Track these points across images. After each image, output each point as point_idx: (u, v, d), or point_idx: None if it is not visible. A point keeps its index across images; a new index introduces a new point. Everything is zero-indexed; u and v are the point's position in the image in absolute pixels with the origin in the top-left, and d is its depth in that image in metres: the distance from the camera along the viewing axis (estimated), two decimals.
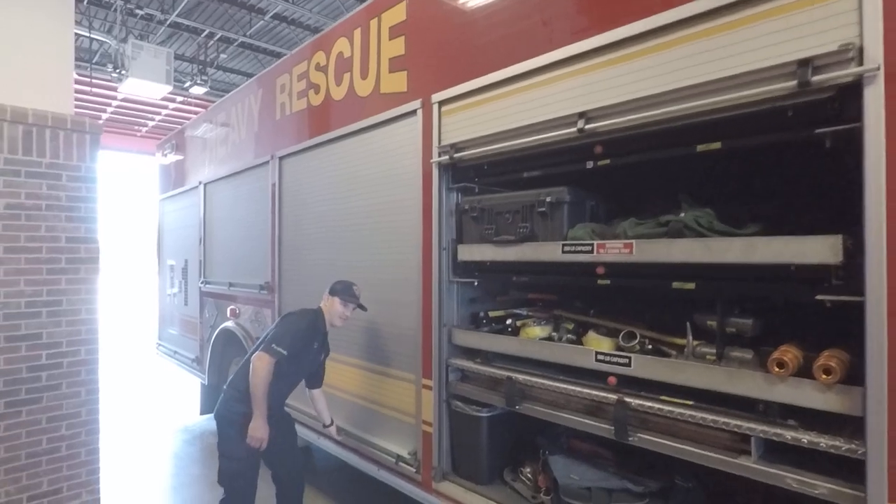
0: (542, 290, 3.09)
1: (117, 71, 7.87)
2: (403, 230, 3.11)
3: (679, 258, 1.96)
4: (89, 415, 3.72)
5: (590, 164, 2.34)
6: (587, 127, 2.18)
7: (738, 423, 1.76)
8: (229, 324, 4.98)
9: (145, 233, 13.66)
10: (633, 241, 2.10)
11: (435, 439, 2.86)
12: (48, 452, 3.54)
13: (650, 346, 2.26)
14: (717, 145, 1.95)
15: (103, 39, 8.28)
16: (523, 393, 2.50)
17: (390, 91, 3.22)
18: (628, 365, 2.10)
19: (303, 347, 3.01)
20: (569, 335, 2.56)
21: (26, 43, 3.64)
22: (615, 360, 2.15)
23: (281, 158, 4.26)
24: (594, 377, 2.28)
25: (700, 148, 1.99)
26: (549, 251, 2.40)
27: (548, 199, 2.42)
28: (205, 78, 9.53)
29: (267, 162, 4.41)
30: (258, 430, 2.84)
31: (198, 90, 9.64)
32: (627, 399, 2.08)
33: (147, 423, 6.11)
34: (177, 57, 9.43)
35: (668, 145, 2.10)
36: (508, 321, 2.80)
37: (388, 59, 3.23)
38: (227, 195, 5.15)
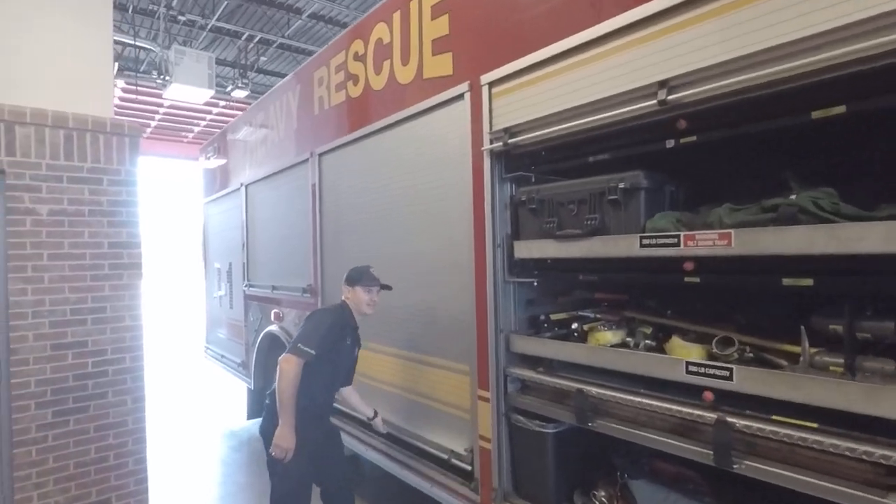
0: (610, 289, 2.76)
1: (162, 77, 7.94)
2: (453, 227, 2.84)
3: (794, 249, 1.61)
4: (136, 423, 3.63)
5: (670, 143, 2.01)
6: (670, 98, 1.85)
7: (887, 452, 1.41)
8: (273, 328, 4.85)
9: (193, 237, 13.98)
10: (732, 230, 1.76)
11: (494, 457, 2.58)
12: (96, 462, 3.46)
13: (751, 355, 1.92)
14: (839, 109, 1.59)
15: (149, 47, 8.37)
16: (596, 408, 2.20)
17: (434, 75, 2.95)
18: (729, 378, 1.77)
19: (334, 345, 2.81)
20: (647, 341, 2.24)
21: (65, 48, 3.57)
22: (712, 371, 1.81)
23: (320, 155, 4.07)
24: (683, 391, 1.95)
25: (816, 115, 1.63)
26: (623, 245, 2.08)
27: (621, 186, 2.10)
28: (245, 81, 9.55)
29: (306, 160, 4.24)
30: (284, 440, 2.63)
31: (239, 94, 9.66)
32: (731, 419, 1.75)
33: (194, 428, 6.09)
34: (218, 62, 9.48)
35: (773, 115, 1.75)
36: (574, 325, 2.50)
37: (431, 41, 2.97)
38: (268, 196, 5.03)
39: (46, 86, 3.48)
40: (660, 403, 1.96)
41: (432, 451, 2.97)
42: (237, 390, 6.82)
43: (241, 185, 5.60)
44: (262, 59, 10.32)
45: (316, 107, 4.14)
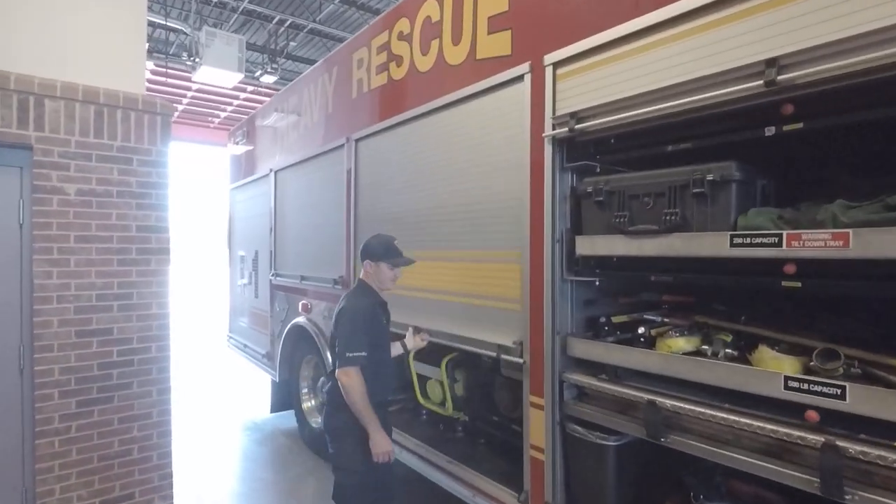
0: (675, 292, 2.54)
1: (192, 59, 7.82)
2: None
3: None
4: (161, 416, 3.50)
5: (770, 131, 1.78)
6: (780, 78, 1.62)
7: None
8: (301, 319, 4.70)
9: (218, 223, 13.96)
10: (850, 230, 1.53)
11: (548, 469, 2.39)
12: (120, 455, 3.34)
13: (858, 371, 1.69)
14: None
15: (179, 28, 8.25)
16: (670, 422, 1.99)
17: (489, 56, 2.75)
18: (841, 397, 1.54)
19: (376, 333, 2.66)
20: (727, 350, 2.02)
21: (98, 21, 3.42)
22: (818, 388, 1.59)
23: (357, 141, 3.89)
24: (775, 407, 1.73)
25: None
26: (709, 244, 1.86)
27: (709, 178, 1.88)
28: (275, 66, 9.40)
29: (342, 145, 4.06)
30: (380, 445, 2.52)
31: (268, 79, 9.53)
32: (842, 443, 1.52)
33: (216, 420, 5.98)
34: (248, 47, 9.33)
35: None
36: (641, 330, 2.28)
37: (487, 19, 2.76)
38: (299, 183, 4.86)
39: (77, 60, 3.34)
40: (751, 421, 1.74)
41: (480, 350, 2.80)
42: (260, 381, 6.74)
43: (270, 170, 5.45)
44: (292, 44, 10.16)
45: (354, 90, 3.95)
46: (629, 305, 2.59)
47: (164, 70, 9.31)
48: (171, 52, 9.41)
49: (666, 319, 2.37)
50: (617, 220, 2.17)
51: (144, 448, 3.44)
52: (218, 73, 8.07)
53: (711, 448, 1.86)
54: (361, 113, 3.88)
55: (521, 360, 2.53)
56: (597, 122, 2.18)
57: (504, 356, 2.63)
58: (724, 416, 1.81)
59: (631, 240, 2.12)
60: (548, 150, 2.39)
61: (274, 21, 9.77)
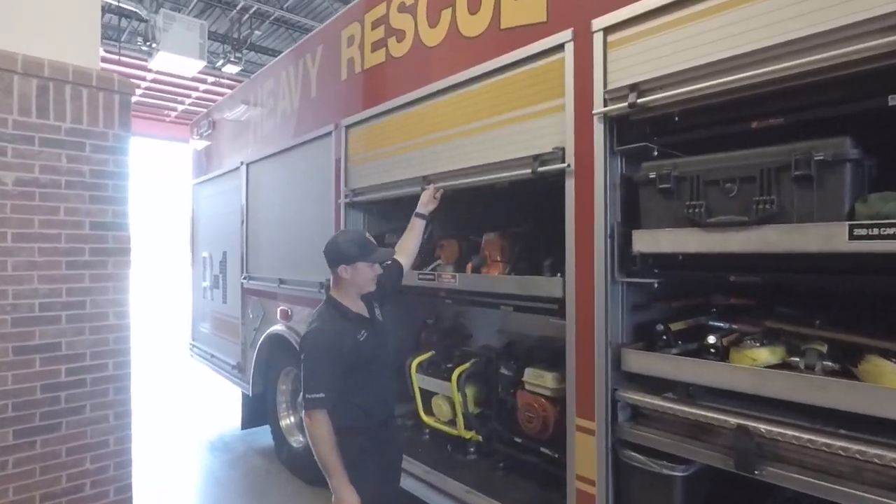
0: (733, 292, 2.24)
1: (148, 45, 7.16)
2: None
3: None
4: (119, 444, 2.99)
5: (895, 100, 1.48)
6: None
7: None
8: (279, 328, 4.21)
9: (175, 223, 13.12)
10: None
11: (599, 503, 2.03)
12: (69, 492, 2.82)
13: None
14: None
15: (133, 9, 7.56)
16: (764, 450, 1.66)
17: (518, 24, 2.38)
18: None
19: (349, 356, 2.22)
20: (825, 362, 1.71)
21: None
22: None
23: (348, 128, 3.46)
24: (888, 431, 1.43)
25: None
26: (819, 236, 1.54)
27: (818, 158, 1.56)
28: (239, 56, 8.79)
29: (329, 133, 3.62)
30: (345, 500, 2.09)
31: (231, 69, 8.90)
32: None
33: (181, 439, 5.39)
34: (209, 36, 8.70)
35: None
36: (711, 339, 1.95)
37: None
38: (276, 175, 4.38)
39: (15, 26, 2.80)
40: (883, 452, 1.43)
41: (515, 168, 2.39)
42: (228, 395, 6.18)
43: (242, 163, 4.93)
44: (257, 33, 9.55)
45: (344, 70, 3.52)
46: (682, 310, 2.26)
47: (116, 58, 8.56)
48: (123, 40, 8.67)
49: (734, 326, 2.06)
50: (690, 211, 1.83)
51: (99, 482, 2.92)
52: (177, 60, 7.44)
53: (823, 483, 1.54)
54: (352, 97, 3.46)
55: (564, 165, 2.16)
56: (664, 94, 1.85)
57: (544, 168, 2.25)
58: (845, 444, 1.49)
59: (708, 233, 1.79)
60: (598, 130, 2.04)
61: (237, 8, 9.16)
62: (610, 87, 2.00)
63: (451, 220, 3.52)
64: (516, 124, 2.39)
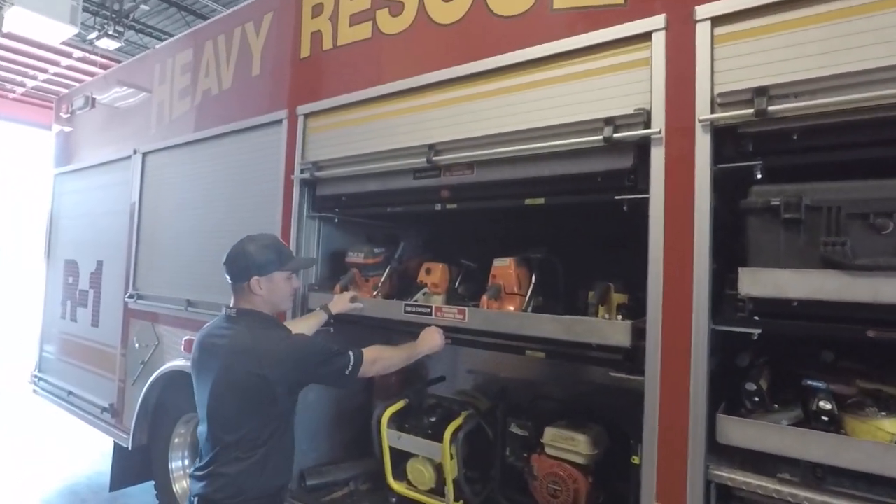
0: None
1: None
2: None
3: None
4: None
5: None
6: None
7: None
8: (181, 363, 3.28)
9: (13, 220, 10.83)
10: None
11: None
12: None
13: None
14: None
15: None
16: None
17: (578, 5, 1.94)
18: None
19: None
20: None
21: None
22: None
23: (307, 117, 2.77)
24: None
25: None
26: None
27: None
28: (119, 30, 7.38)
29: (279, 121, 2.89)
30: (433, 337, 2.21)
31: (108, 44, 7.45)
32: None
33: None
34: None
35: None
36: (824, 404, 1.61)
37: None
38: (190, 170, 3.48)
39: None
40: None
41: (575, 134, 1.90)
42: (90, 444, 4.89)
43: (135, 151, 3.93)
44: (144, 7, 8.15)
45: (305, 47, 2.83)
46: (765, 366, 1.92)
47: None
48: None
49: (831, 386, 1.74)
50: (828, 249, 1.48)
51: None
52: (38, 20, 6.00)
53: None
54: (316, 79, 2.78)
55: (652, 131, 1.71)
56: (801, 104, 1.50)
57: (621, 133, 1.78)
58: None
59: (854, 278, 1.44)
60: (702, 141, 1.64)
61: None
62: (720, 89, 1.62)
63: (432, 238, 2.98)
64: (579, 81, 1.93)
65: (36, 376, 4.92)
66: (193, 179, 3.44)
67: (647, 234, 1.72)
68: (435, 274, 2.50)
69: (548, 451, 2.16)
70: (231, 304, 2.05)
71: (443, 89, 2.23)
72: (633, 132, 1.76)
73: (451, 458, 2.32)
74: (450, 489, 2.34)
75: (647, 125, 1.73)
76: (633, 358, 1.77)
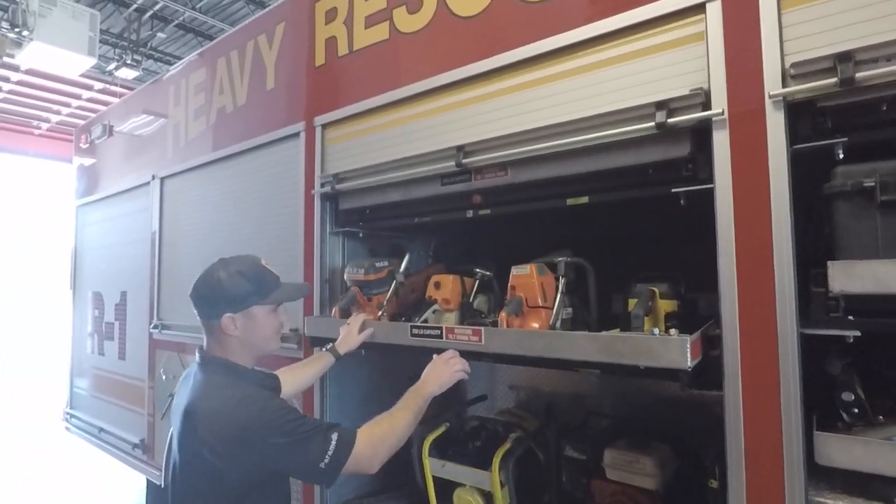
0: None
1: (17, 32, 5.71)
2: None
3: None
4: None
5: None
6: None
7: None
8: None
9: (40, 257, 11.01)
10: None
11: None
12: None
13: None
14: None
15: None
16: None
17: None
18: None
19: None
20: None
21: None
22: None
23: (325, 127, 2.63)
24: None
25: None
26: None
27: None
28: (137, 58, 7.44)
29: (296, 135, 2.75)
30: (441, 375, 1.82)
31: (127, 74, 7.51)
32: None
33: None
34: (99, 35, 7.32)
35: None
36: None
37: None
38: (208, 192, 3.37)
39: None
40: None
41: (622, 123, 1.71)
42: (124, 480, 4.82)
43: (153, 177, 3.86)
44: (160, 35, 8.23)
45: (320, 54, 2.70)
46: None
47: None
48: None
49: None
50: None
51: None
52: (57, 54, 6.05)
53: None
54: (334, 87, 2.64)
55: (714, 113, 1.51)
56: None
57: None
58: None
59: None
60: (774, 120, 1.43)
61: (132, 8, 7.87)
62: (794, 59, 1.41)
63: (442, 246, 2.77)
64: (623, 65, 1.73)
65: (68, 413, 4.87)
66: (211, 202, 3.33)
67: (715, 228, 1.52)
68: (445, 287, 2.17)
69: (609, 475, 1.95)
70: (203, 346, 1.69)
71: (469, 86, 2.06)
72: (690, 115, 1.56)
73: (502, 486, 2.12)
74: None
75: (707, 106, 1.53)
76: (696, 378, 1.55)
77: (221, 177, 3.25)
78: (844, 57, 1.34)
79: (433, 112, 2.18)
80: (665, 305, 1.79)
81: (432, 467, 2.32)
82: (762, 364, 1.43)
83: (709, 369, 1.58)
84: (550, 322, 1.84)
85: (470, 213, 2.18)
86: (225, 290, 1.60)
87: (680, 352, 1.48)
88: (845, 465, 1.37)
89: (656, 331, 1.59)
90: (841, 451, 1.37)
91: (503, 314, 1.87)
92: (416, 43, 2.29)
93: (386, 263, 2.36)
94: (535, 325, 1.86)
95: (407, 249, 2.44)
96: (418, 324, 2.08)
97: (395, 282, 2.32)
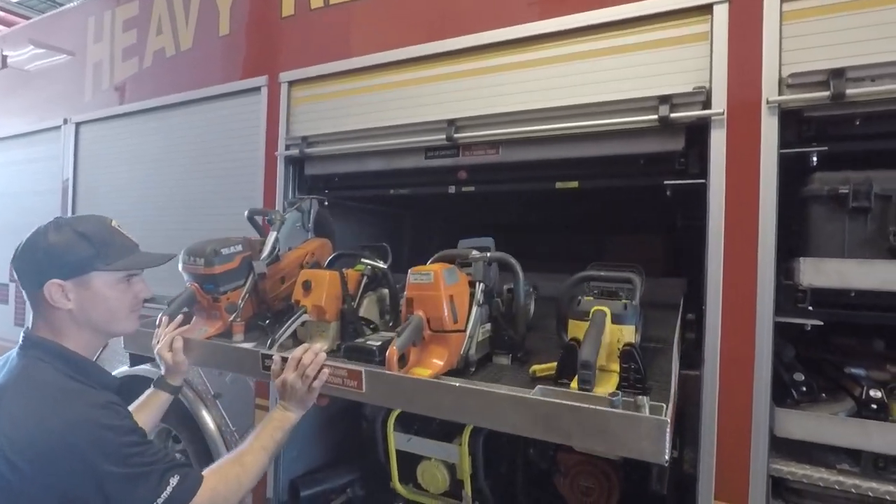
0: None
1: None
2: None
3: None
4: None
5: None
6: None
7: None
8: (124, 369, 2.91)
9: None
10: None
11: None
12: None
13: None
14: None
15: None
16: None
17: None
18: None
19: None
20: None
21: None
22: None
23: (292, 85, 2.46)
24: None
25: None
26: None
27: None
28: None
29: (256, 89, 2.55)
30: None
31: None
32: None
33: None
34: None
35: None
36: (874, 392, 1.60)
37: None
38: (140, 144, 3.04)
39: None
40: None
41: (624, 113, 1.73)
42: None
43: (66, 121, 3.41)
44: None
45: (289, 4, 2.50)
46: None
47: None
48: None
49: (869, 373, 1.75)
50: None
51: None
52: None
53: None
54: (304, 42, 2.47)
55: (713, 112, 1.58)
56: (890, 87, 1.43)
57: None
58: None
59: None
60: (768, 124, 1.55)
61: None
62: (792, 69, 1.53)
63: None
64: (628, 55, 1.77)
65: None
66: (142, 157, 3.01)
67: (706, 221, 1.63)
68: (318, 289, 1.64)
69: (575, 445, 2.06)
70: (29, 326, 1.34)
71: (467, 58, 2.01)
72: (690, 112, 1.64)
73: (472, 458, 2.17)
74: (468, 491, 2.19)
75: (707, 105, 1.62)
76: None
77: (160, 127, 2.94)
78: (838, 73, 1.47)
79: (422, 81, 2.11)
80: (620, 333, 1.43)
81: (397, 441, 2.32)
82: (739, 345, 1.57)
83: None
84: (462, 350, 1.43)
85: (452, 189, 2.16)
86: (55, 252, 1.27)
87: (655, 438, 1.08)
88: (800, 437, 1.55)
89: (617, 397, 1.15)
90: (797, 424, 1.56)
91: (393, 347, 1.36)
92: (411, 4, 2.18)
93: (239, 248, 1.81)
94: (440, 361, 1.41)
95: (282, 220, 1.92)
96: (270, 351, 1.56)
97: (252, 274, 1.77)
